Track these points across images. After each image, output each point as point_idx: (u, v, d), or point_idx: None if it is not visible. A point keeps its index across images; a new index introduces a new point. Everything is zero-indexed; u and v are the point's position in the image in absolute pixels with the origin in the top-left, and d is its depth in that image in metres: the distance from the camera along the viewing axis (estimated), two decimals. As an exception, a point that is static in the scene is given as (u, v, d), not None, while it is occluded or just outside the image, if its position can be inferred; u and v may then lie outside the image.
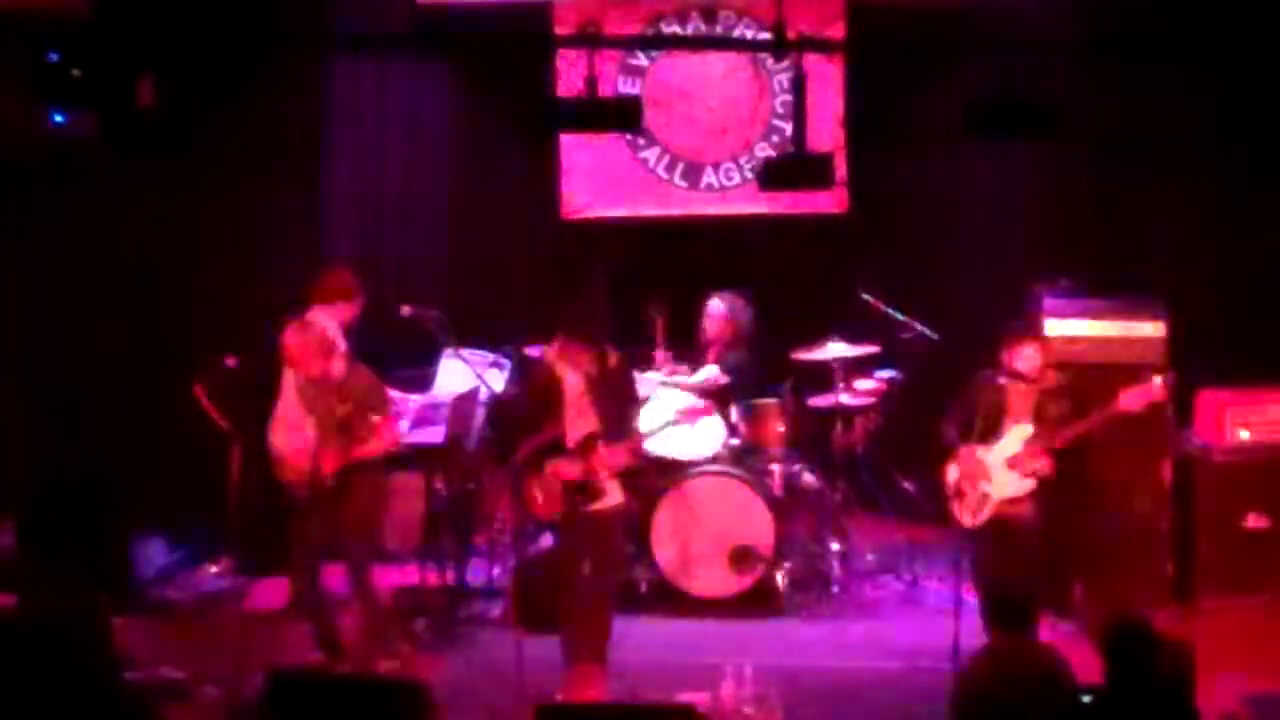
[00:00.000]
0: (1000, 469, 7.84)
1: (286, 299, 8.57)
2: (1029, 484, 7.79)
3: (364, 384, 7.84)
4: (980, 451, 7.86)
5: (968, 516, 7.91)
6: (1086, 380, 8.29)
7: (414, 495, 9.28)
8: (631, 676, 7.72)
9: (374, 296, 9.23)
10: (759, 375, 9.43)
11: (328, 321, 8.72)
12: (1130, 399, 7.73)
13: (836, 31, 10.33)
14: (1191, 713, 5.76)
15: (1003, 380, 7.94)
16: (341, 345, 8.47)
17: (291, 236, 10.01)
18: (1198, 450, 9.01)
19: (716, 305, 9.48)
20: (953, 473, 7.98)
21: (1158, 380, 7.83)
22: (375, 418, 7.74)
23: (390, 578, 9.32)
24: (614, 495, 7.74)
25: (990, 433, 7.88)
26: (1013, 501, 7.82)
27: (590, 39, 9.35)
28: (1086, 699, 5.86)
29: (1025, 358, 7.93)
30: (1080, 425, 7.79)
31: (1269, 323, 9.43)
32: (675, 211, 10.82)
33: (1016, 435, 7.84)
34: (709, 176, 10.83)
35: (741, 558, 8.91)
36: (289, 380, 7.91)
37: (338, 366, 7.77)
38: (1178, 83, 9.48)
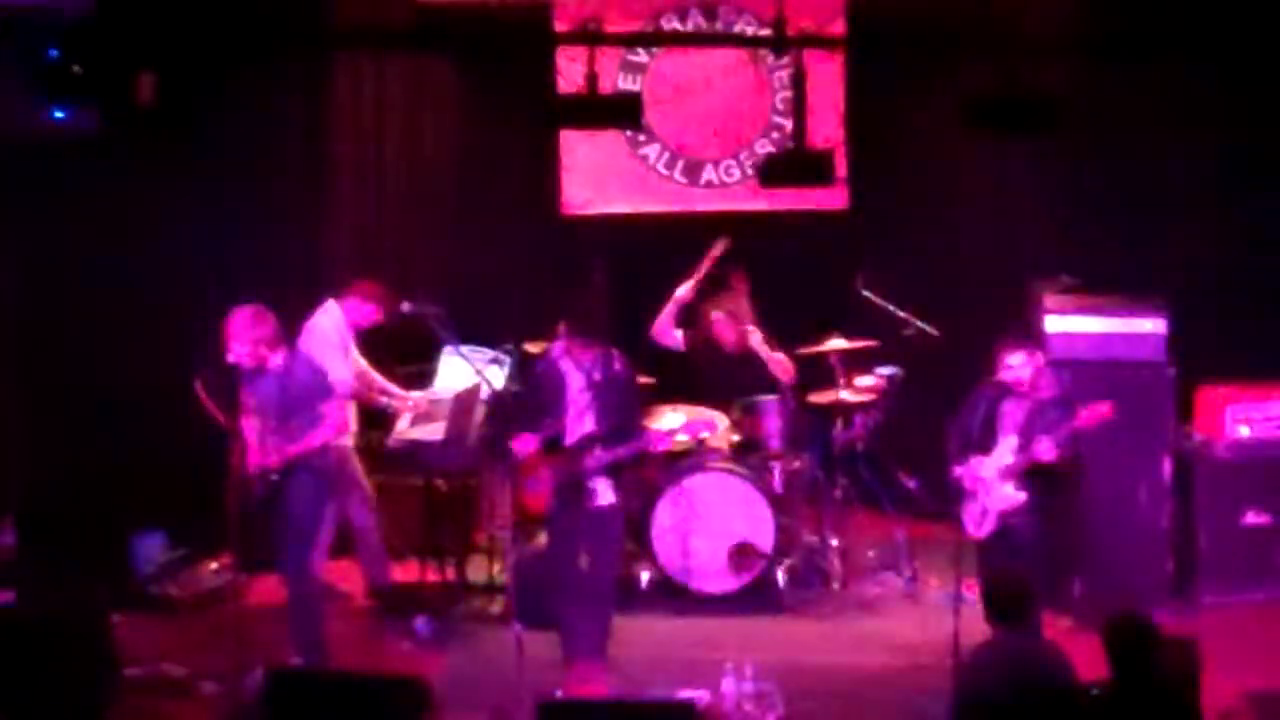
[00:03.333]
0: (995, 481, 7.81)
1: (287, 296, 8.58)
2: (1022, 496, 7.75)
3: (304, 374, 7.78)
4: (979, 464, 7.83)
5: (973, 527, 7.88)
6: (1083, 382, 8.28)
7: (414, 492, 9.30)
8: (632, 673, 7.72)
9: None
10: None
11: (339, 314, 8.78)
12: (1086, 417, 7.67)
13: (837, 28, 10.32)
14: (1194, 710, 5.77)
15: (998, 392, 7.89)
16: (335, 334, 8.53)
17: (292, 234, 10.02)
18: (1198, 447, 9.01)
19: (720, 317, 9.46)
20: (961, 482, 7.93)
21: (1106, 404, 7.73)
22: (319, 406, 7.72)
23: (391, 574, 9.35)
24: (605, 495, 7.74)
25: (987, 445, 7.85)
26: (1011, 514, 7.78)
27: (590, 36, 9.33)
28: (1094, 693, 5.87)
29: (1009, 366, 7.82)
30: (1056, 437, 7.70)
31: (1269, 319, 9.42)
32: (675, 208, 10.82)
33: (1007, 447, 7.81)
34: (709, 173, 10.83)
35: (742, 554, 8.91)
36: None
37: (275, 360, 7.72)
38: (1178, 80, 9.48)
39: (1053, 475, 7.73)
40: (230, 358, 7.68)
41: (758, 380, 9.32)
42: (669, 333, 9.50)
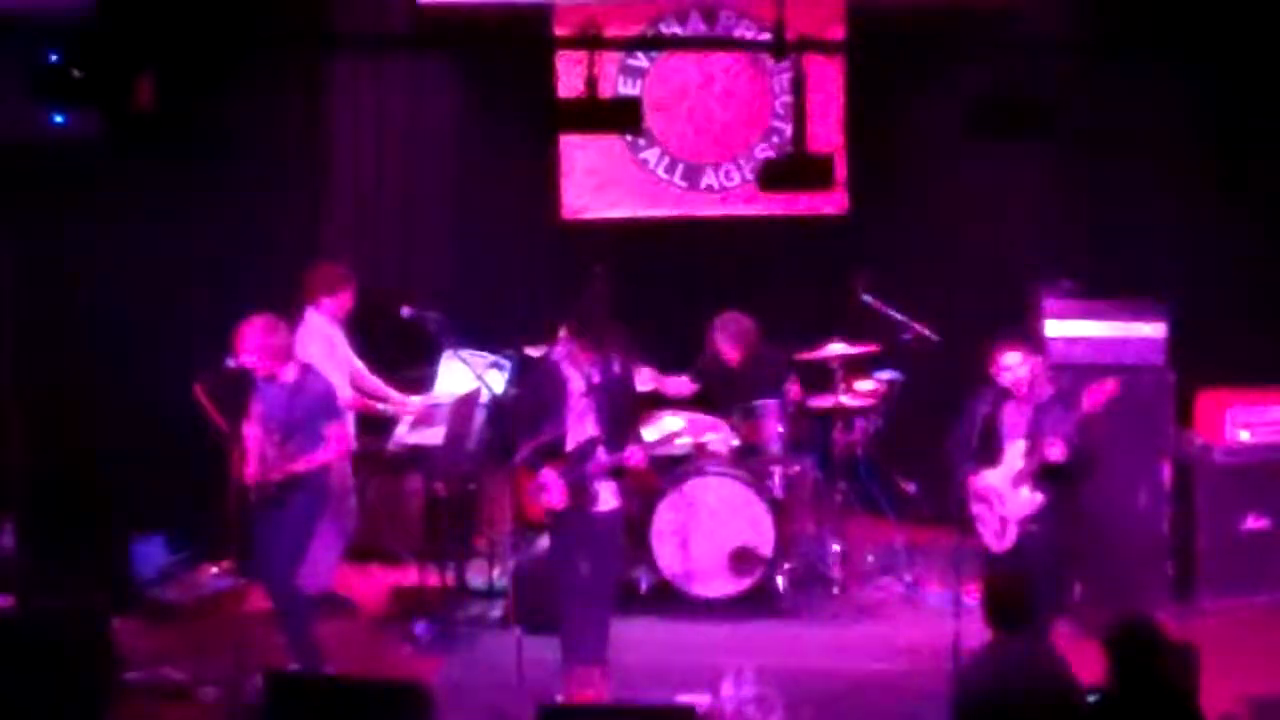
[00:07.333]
0: (1009, 489, 7.75)
1: (286, 299, 8.58)
2: (1039, 499, 7.70)
3: (315, 392, 7.76)
4: (988, 474, 7.79)
5: (994, 541, 7.81)
6: (1083, 383, 8.27)
7: (413, 496, 9.29)
8: (632, 677, 7.72)
9: (375, 297, 9.25)
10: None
11: (321, 322, 8.75)
12: (1091, 398, 7.63)
13: (836, 32, 10.32)
14: (1194, 715, 5.76)
15: (996, 397, 7.83)
16: (324, 346, 8.51)
17: (291, 236, 10.02)
18: (1198, 451, 9.01)
19: (723, 333, 9.44)
20: (973, 496, 7.84)
21: (1110, 380, 7.70)
22: (324, 426, 7.70)
23: (391, 579, 9.36)
24: (609, 499, 7.74)
25: (992, 453, 7.79)
26: (1031, 520, 7.72)
27: (590, 40, 9.32)
28: (1092, 699, 5.86)
29: (1005, 368, 7.71)
30: (1064, 434, 7.66)
31: (1269, 323, 9.43)
32: (675, 212, 10.81)
33: (1016, 452, 7.74)
34: (709, 177, 10.82)
35: (742, 559, 8.91)
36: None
37: (289, 372, 7.73)
38: (1177, 81, 9.49)
39: (1066, 474, 7.68)
40: (243, 363, 7.67)
41: (759, 387, 9.32)
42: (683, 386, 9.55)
